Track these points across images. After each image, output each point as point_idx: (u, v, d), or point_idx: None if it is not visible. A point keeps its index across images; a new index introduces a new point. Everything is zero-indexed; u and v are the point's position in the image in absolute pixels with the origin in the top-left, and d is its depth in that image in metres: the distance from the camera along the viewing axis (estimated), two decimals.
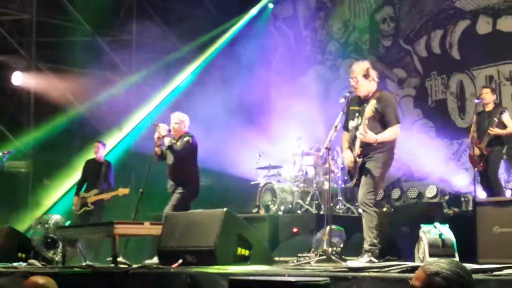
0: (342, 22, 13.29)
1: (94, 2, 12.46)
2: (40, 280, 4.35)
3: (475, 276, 4.61)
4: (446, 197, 10.03)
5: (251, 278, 5.12)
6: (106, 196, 10.14)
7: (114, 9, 13.11)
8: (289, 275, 5.20)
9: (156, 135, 8.61)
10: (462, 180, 10.11)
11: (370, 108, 6.41)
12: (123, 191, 10.04)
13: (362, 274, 5.03)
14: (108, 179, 10.36)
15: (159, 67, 12.98)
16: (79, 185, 10.60)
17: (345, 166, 7.11)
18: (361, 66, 6.81)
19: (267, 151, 11.19)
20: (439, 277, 2.89)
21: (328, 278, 4.84)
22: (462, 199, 9.92)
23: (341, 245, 7.80)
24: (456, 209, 9.44)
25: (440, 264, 2.93)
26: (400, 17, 12.39)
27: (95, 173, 10.39)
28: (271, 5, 13.96)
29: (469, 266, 5.21)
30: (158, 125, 8.72)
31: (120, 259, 7.63)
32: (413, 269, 4.94)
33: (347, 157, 6.78)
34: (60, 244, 8.12)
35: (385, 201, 10.88)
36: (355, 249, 7.17)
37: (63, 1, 12.34)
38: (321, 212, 9.21)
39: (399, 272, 4.94)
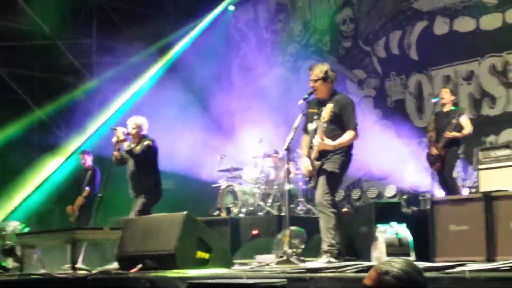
0: (302, 24, 13.37)
1: (54, 6, 12.32)
2: None
3: (428, 274, 4.69)
4: (405, 197, 10.15)
5: (209, 281, 5.15)
6: (79, 201, 10.30)
7: (74, 13, 12.98)
8: (247, 277, 5.23)
9: (114, 139, 8.55)
10: (421, 180, 10.23)
11: (327, 112, 6.45)
12: (85, 192, 10.15)
13: (319, 274, 5.08)
14: (91, 185, 10.60)
15: (120, 71, 12.88)
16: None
17: (303, 172, 7.13)
18: (320, 68, 6.84)
19: (228, 154, 11.20)
20: (389, 276, 2.93)
21: (285, 279, 4.90)
22: (421, 198, 10.05)
23: (302, 247, 7.83)
24: (414, 208, 9.56)
25: (392, 263, 2.97)
26: (359, 19, 12.51)
27: (82, 181, 10.79)
28: (231, 7, 13.98)
29: (423, 264, 5.30)
30: (116, 129, 8.65)
31: (79, 265, 7.57)
32: (369, 269, 4.99)
33: (305, 165, 6.81)
34: (18, 251, 8.01)
35: (345, 202, 10.98)
36: (316, 250, 7.20)
37: (22, 5, 12.18)
38: (282, 214, 9.24)
39: (355, 272, 4.99)
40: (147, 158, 8.56)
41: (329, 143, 6.51)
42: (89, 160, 11.00)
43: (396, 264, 2.97)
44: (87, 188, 10.62)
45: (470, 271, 4.33)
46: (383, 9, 12.10)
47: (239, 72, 13.78)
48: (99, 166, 10.91)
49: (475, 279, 4.18)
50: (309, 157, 6.74)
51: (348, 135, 6.65)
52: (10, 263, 8.27)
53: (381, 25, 12.14)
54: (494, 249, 6.87)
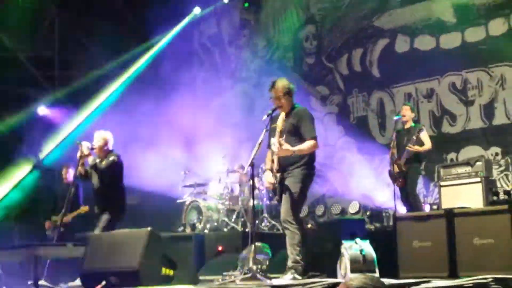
0: (266, 40, 13.44)
1: (14, 17, 12.17)
2: None
3: None
4: (368, 213, 10.26)
5: None
6: (68, 217, 9.84)
7: (36, 25, 12.83)
8: None
9: (78, 154, 8.47)
10: (384, 196, 10.34)
11: (280, 120, 6.48)
12: (83, 209, 9.78)
13: None
14: (75, 200, 10.03)
15: (83, 84, 12.76)
16: (49, 209, 10.45)
17: (265, 185, 7.13)
18: (282, 83, 6.86)
19: (192, 169, 11.17)
20: None
21: None
22: (384, 214, 10.17)
23: (267, 263, 7.83)
24: (377, 225, 9.66)
25: (361, 279, 3.02)
26: (322, 35, 12.63)
27: (61, 196, 10.10)
28: (197, 10, 13.86)
29: (388, 281, 5.36)
30: (81, 144, 8.57)
31: (42, 282, 7.46)
32: (334, 285, 5.04)
33: (267, 178, 6.80)
34: None
35: (309, 218, 11.03)
36: (281, 266, 7.22)
37: None
38: (247, 230, 9.25)
39: None
40: (112, 173, 8.48)
41: (287, 147, 6.48)
42: (71, 175, 10.23)
43: (365, 280, 3.02)
44: (86, 206, 9.82)
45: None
46: (346, 27, 12.25)
47: (203, 87, 13.78)
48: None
49: None
50: (271, 169, 6.74)
51: (307, 143, 6.64)
52: None
53: (343, 42, 12.27)
54: (456, 266, 7.00)
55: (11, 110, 12.05)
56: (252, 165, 6.98)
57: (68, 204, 9.40)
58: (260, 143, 6.81)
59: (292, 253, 6.55)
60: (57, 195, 10.57)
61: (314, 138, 6.67)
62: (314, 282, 5.31)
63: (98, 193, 8.50)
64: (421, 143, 9.02)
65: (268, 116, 6.89)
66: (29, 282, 7.44)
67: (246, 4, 13.56)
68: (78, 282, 7.17)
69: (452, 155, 10.53)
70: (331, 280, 5.46)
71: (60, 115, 12.62)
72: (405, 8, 11.39)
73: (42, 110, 12.73)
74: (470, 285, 4.63)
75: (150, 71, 13.21)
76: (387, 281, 5.37)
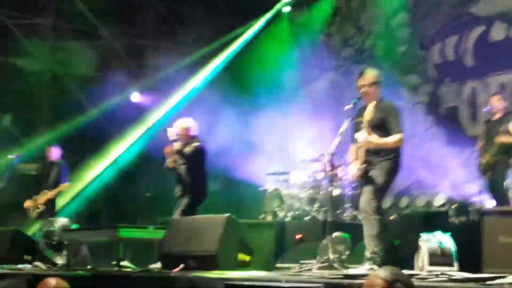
0: (357, 28, 13.25)
1: (111, 6, 12.53)
2: (54, 282, 4.35)
3: (467, 285, 4.61)
4: (455, 206, 9.94)
5: (246, 283, 5.17)
6: (50, 195, 9.83)
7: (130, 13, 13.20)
8: (285, 281, 5.23)
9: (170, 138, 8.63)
10: (472, 189, 9.99)
11: (369, 111, 6.40)
12: (65, 185, 9.89)
13: (357, 281, 5.03)
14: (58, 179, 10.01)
15: (173, 71, 13.00)
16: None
17: (351, 177, 7.06)
18: (372, 72, 6.80)
19: (276, 157, 11.19)
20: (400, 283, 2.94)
21: (322, 285, 4.87)
22: (470, 208, 9.84)
23: (347, 253, 7.74)
24: (463, 218, 9.37)
25: (389, 271, 2.99)
26: (415, 23, 12.31)
27: (46, 175, 10.09)
28: (286, 9, 13.89)
29: (463, 274, 5.20)
30: (167, 130, 8.77)
31: (125, 263, 7.69)
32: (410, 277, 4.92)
33: (352, 170, 6.74)
34: (65, 247, 8.19)
35: (393, 209, 10.80)
36: (361, 257, 7.12)
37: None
38: (328, 219, 9.17)
39: None
40: (196, 158, 8.62)
41: (373, 139, 6.41)
42: (55, 154, 10.19)
43: (392, 271, 2.99)
44: (67, 183, 9.98)
45: (509, 283, 4.22)
46: (440, 14, 11.88)
47: (291, 75, 13.73)
48: (151, 166, 10.95)
49: None
50: (356, 161, 6.66)
51: (392, 138, 6.54)
52: (58, 258, 8.47)
53: (437, 30, 11.92)
54: None
55: (104, 97, 12.43)
56: (333, 154, 6.93)
57: (52, 184, 9.58)
58: (342, 132, 6.75)
59: (370, 244, 6.45)
60: None
61: (400, 133, 6.55)
62: None
63: (181, 178, 8.65)
64: (510, 135, 8.66)
65: (352, 105, 6.80)
66: (113, 263, 7.69)
67: None
68: (158, 264, 7.34)
69: None
70: (406, 272, 5.33)
71: (151, 102, 12.90)
72: None
73: (135, 96, 13.08)
74: None
75: (239, 58, 13.27)
76: (462, 274, 5.22)
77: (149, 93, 12.95)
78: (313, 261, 7.44)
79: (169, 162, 8.70)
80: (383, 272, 3.00)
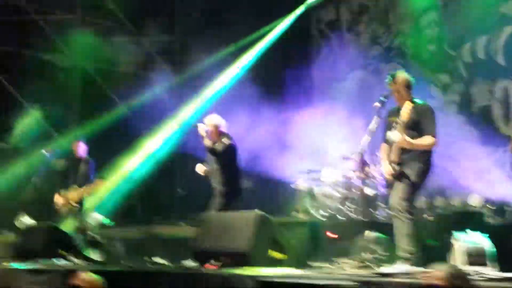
0: (385, 26, 13.20)
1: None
2: (86, 276, 4.42)
3: (501, 284, 4.59)
4: (490, 207, 9.85)
5: (278, 280, 5.21)
6: (85, 192, 9.66)
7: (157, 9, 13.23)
8: (319, 279, 5.26)
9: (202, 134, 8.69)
10: (508, 189, 9.91)
11: (405, 110, 6.42)
12: (98, 182, 9.76)
13: (390, 280, 5.05)
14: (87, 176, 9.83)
15: (201, 68, 13.03)
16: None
17: (386, 175, 7.07)
18: (403, 76, 6.84)
19: (309, 155, 11.18)
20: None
21: (356, 283, 4.90)
22: (507, 208, 9.74)
23: (383, 253, 7.70)
24: (500, 219, 9.29)
25: (448, 269, 3.00)
26: (444, 22, 12.23)
27: (74, 171, 9.94)
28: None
29: (499, 274, 5.18)
30: (198, 126, 8.83)
31: (158, 259, 7.77)
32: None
33: (386, 169, 6.77)
34: (100, 243, 8.29)
35: (427, 209, 10.74)
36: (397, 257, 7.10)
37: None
38: (363, 219, 9.15)
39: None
40: (228, 155, 8.68)
41: (408, 139, 6.45)
42: (82, 150, 10.00)
43: (451, 269, 3.00)
44: (101, 180, 9.87)
45: None
46: (470, 13, 11.78)
47: (319, 74, 13.71)
48: (182, 163, 10.99)
49: None
50: (389, 161, 6.70)
51: (427, 139, 6.57)
52: (93, 254, 8.57)
53: (467, 29, 11.83)
54: None
55: (135, 93, 12.50)
56: (363, 152, 6.95)
57: (81, 180, 9.45)
58: (371, 130, 6.77)
59: (402, 242, 6.46)
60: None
61: (435, 135, 6.58)
62: (419, 271, 5.22)
63: (214, 175, 8.71)
64: None
65: (380, 103, 6.82)
66: (146, 259, 7.79)
67: None
68: (190, 261, 7.39)
69: None
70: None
71: (180, 99, 12.90)
72: None
73: (162, 93, 13.08)
74: None
75: (265, 57, 13.26)
76: (499, 274, 5.21)
77: (177, 91, 12.94)
78: (346, 260, 7.45)
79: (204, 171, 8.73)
80: (444, 269, 3.02)
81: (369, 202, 9.48)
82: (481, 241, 6.14)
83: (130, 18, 12.79)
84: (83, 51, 12.57)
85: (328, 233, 8.80)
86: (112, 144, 12.16)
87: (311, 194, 10.22)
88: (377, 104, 6.80)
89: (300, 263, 7.37)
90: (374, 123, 6.78)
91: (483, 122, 11.25)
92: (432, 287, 3.07)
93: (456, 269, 3.04)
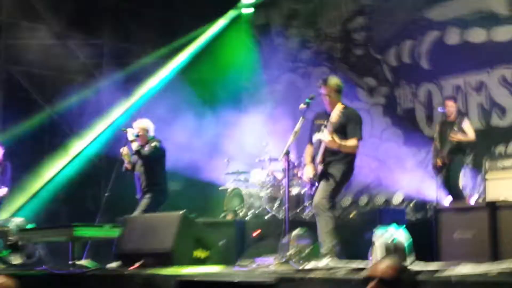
0: (315, 30, 13.36)
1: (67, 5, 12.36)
2: (1, 279, 4.32)
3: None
4: (412, 204, 10.12)
5: (197, 279, 5.19)
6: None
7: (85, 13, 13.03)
8: (238, 277, 5.27)
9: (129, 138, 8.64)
10: (428, 188, 10.17)
11: (336, 112, 6.52)
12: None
13: (308, 275, 5.10)
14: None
15: (130, 72, 12.91)
16: None
17: (304, 179, 7.19)
18: (334, 81, 6.97)
19: (235, 157, 11.22)
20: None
21: (273, 279, 4.92)
22: (428, 206, 10.02)
23: (307, 250, 7.78)
24: (420, 216, 9.54)
25: (389, 262, 3.03)
26: (371, 27, 12.47)
27: None
28: (246, 10, 13.91)
29: (416, 267, 5.29)
30: (126, 130, 8.79)
31: (83, 262, 7.64)
32: (359, 271, 5.01)
33: (307, 172, 6.94)
34: (21, 247, 8.10)
35: (353, 207, 10.94)
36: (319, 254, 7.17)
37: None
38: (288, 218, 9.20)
39: (344, 274, 5.00)
40: (155, 159, 8.66)
41: (335, 139, 6.59)
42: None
43: (393, 261, 3.04)
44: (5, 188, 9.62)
45: (456, 275, 4.31)
46: (395, 18, 12.05)
47: (249, 76, 13.77)
48: (108, 167, 10.88)
49: (460, 283, 4.16)
50: (313, 162, 6.85)
51: (352, 142, 6.73)
52: (15, 258, 8.36)
53: (392, 33, 12.09)
54: (497, 258, 6.81)
55: (62, 96, 12.26)
56: (287, 153, 7.03)
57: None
58: (296, 132, 6.87)
59: (325, 240, 6.60)
60: None
61: (359, 139, 6.76)
62: (338, 267, 5.29)
63: (141, 178, 8.65)
64: (463, 133, 8.87)
65: (305, 105, 6.93)
66: (70, 262, 7.64)
67: None
68: (118, 263, 7.30)
69: (501, 149, 10.26)
70: (354, 266, 5.44)
71: (108, 102, 12.73)
72: (458, 0, 11.14)
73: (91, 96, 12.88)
74: (495, 274, 4.51)
75: (196, 60, 13.26)
76: (415, 267, 5.32)
77: (106, 93, 12.77)
78: (272, 258, 7.48)
79: (127, 166, 8.73)
80: (391, 261, 3.03)
81: (295, 201, 9.57)
82: (400, 236, 6.25)
83: (58, 19, 12.50)
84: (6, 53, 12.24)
85: (253, 233, 8.85)
86: (37, 148, 11.92)
87: (238, 195, 10.23)
88: (302, 106, 6.91)
89: (227, 262, 7.37)
90: (299, 125, 6.88)
91: (408, 124, 11.53)
92: (374, 279, 3.07)
93: (398, 262, 3.06)
